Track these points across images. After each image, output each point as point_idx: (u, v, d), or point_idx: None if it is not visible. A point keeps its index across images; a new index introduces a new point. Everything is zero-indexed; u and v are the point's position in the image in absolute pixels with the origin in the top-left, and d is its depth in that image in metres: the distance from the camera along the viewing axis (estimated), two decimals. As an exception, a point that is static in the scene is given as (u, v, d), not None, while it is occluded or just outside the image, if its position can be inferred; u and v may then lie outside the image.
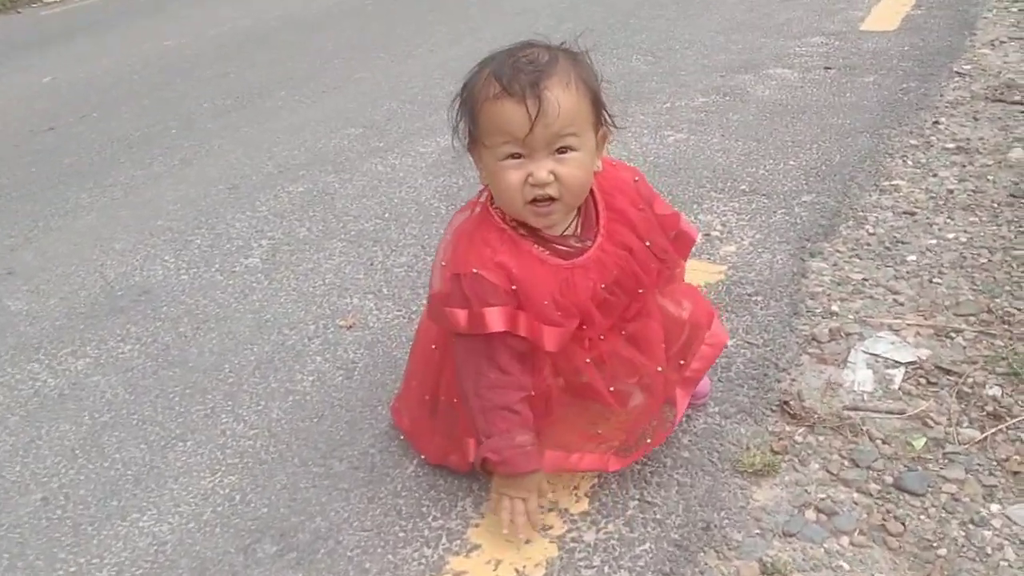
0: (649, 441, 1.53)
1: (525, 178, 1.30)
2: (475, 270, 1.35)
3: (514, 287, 1.35)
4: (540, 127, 1.26)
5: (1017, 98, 3.13)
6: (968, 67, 3.49)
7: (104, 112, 4.17)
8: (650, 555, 1.42)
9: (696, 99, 3.47)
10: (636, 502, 1.53)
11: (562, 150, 1.30)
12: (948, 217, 2.36)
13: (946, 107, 3.13)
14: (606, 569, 1.40)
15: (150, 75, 4.78)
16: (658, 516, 1.49)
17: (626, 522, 1.49)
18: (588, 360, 1.44)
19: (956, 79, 3.38)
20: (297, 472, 1.66)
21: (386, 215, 2.72)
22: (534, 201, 1.32)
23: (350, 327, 2.12)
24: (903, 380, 1.77)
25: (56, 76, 4.98)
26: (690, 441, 1.65)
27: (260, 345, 2.08)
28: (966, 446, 1.58)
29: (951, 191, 2.51)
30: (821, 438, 1.64)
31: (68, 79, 4.89)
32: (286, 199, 2.91)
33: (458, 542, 1.48)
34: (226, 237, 2.67)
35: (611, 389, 1.45)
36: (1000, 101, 3.13)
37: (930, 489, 1.50)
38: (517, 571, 1.41)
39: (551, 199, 1.32)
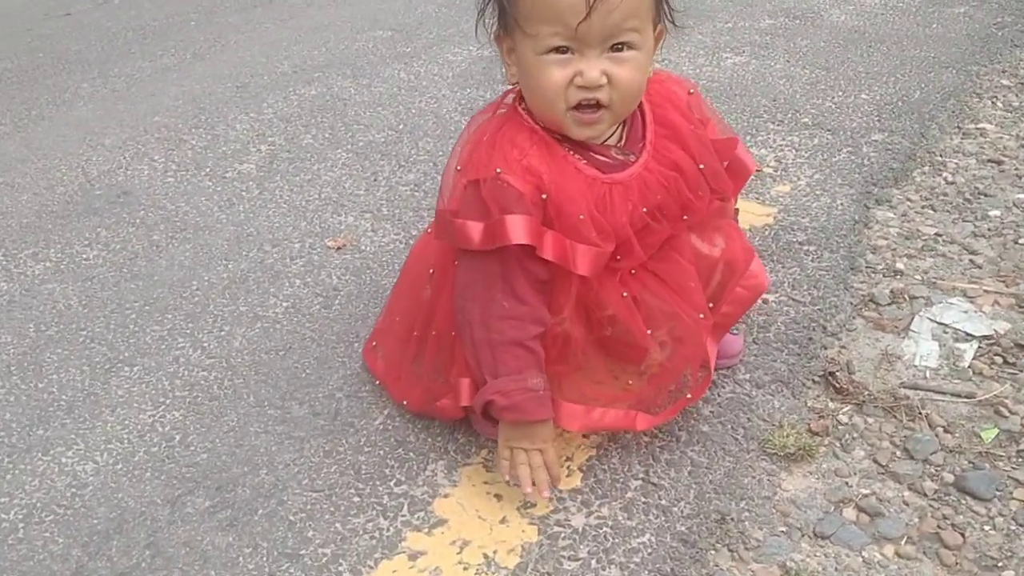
0: (690, 396, 1.32)
1: (572, 78, 1.10)
2: (499, 170, 1.12)
3: (544, 196, 1.12)
4: (599, 15, 1.06)
5: None
6: (1074, 3, 3.13)
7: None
8: (649, 549, 1.18)
9: (762, 20, 3.17)
10: (639, 483, 1.28)
11: (618, 47, 1.10)
12: (1042, 169, 2.08)
13: (1047, 45, 2.80)
14: (593, 563, 1.16)
15: (181, -36, 4.52)
16: (663, 502, 1.25)
17: (624, 507, 1.25)
18: (625, 295, 1.22)
19: (1060, 15, 3.03)
20: (250, 413, 1.44)
21: (400, 126, 2.46)
22: (578, 106, 1.11)
23: (339, 248, 1.88)
24: (975, 357, 1.53)
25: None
26: (711, 412, 1.40)
27: (236, 261, 1.85)
28: (1048, 444, 1.34)
29: (1047, 139, 2.21)
30: (870, 420, 1.40)
31: (97, -36, 4.64)
32: (295, 102, 2.66)
33: (421, 515, 1.25)
34: (224, 139, 2.44)
35: (648, 332, 1.23)
36: (1111, 41, 2.79)
37: (998, 493, 1.26)
38: (486, 556, 1.18)
39: (599, 105, 1.11)
